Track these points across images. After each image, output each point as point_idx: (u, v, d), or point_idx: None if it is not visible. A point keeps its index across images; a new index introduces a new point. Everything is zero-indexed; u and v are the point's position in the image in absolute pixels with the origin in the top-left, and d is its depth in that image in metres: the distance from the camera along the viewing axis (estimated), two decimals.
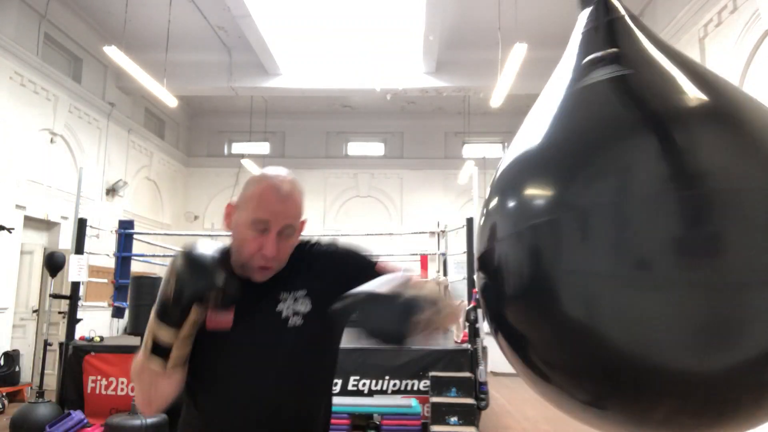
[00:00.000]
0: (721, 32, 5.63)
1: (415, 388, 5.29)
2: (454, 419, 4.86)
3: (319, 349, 1.22)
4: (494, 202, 1.14)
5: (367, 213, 12.53)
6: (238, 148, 13.15)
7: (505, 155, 1.20)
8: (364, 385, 5.30)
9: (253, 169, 11.39)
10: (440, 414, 4.88)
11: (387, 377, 5.32)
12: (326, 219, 12.60)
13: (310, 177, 12.81)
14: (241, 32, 8.45)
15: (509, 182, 1.12)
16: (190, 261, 1.04)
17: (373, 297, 0.99)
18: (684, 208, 0.85)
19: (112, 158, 9.63)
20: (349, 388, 5.29)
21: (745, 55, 5.24)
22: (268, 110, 12.05)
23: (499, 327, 1.12)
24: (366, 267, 1.20)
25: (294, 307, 1.16)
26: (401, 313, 0.99)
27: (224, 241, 1.19)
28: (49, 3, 7.74)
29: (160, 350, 1.03)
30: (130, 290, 5.38)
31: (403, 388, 5.30)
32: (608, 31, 1.19)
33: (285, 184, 1.14)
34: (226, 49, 9.46)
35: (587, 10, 1.28)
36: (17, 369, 6.92)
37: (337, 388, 5.29)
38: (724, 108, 0.98)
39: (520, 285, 1.02)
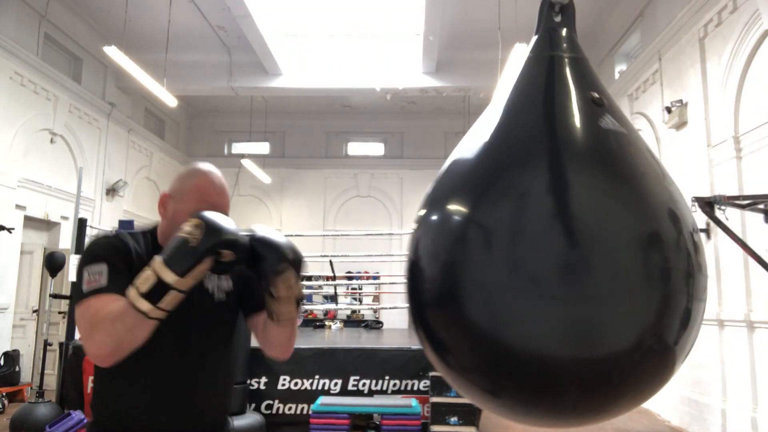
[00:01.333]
0: (721, 32, 5.63)
1: (415, 388, 5.29)
2: (454, 419, 4.86)
3: (236, 322, 1.40)
4: (421, 212, 1.32)
5: (367, 213, 12.53)
6: (238, 148, 13.15)
7: (442, 167, 1.36)
8: (364, 385, 5.30)
9: (253, 169, 11.39)
10: (440, 414, 4.87)
11: (387, 377, 5.32)
12: (326, 219, 12.60)
13: (310, 177, 12.82)
14: (241, 32, 8.45)
15: (434, 196, 1.31)
16: (218, 216, 1.14)
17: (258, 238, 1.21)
18: (564, 238, 1.08)
19: (112, 158, 9.63)
20: (349, 388, 5.29)
21: (745, 55, 5.23)
22: (268, 110, 12.05)
23: (418, 329, 1.28)
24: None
25: (219, 284, 1.35)
26: (273, 253, 1.20)
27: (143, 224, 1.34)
28: (49, 3, 7.74)
29: (154, 294, 1.07)
30: None
31: (403, 388, 5.30)
32: (548, 68, 1.32)
33: (220, 180, 1.33)
34: (226, 49, 9.46)
35: (535, 37, 1.39)
36: (17, 369, 6.92)
37: (337, 388, 5.29)
38: (610, 155, 1.19)
39: (435, 293, 1.19)
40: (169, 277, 1.07)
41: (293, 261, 1.21)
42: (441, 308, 1.18)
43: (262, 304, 1.27)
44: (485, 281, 1.10)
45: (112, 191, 9.55)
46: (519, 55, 6.27)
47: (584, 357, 1.08)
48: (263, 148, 13.02)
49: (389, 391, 5.29)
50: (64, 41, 8.39)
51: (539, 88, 1.29)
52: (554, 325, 1.06)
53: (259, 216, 12.56)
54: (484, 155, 1.23)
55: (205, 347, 1.31)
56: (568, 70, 1.31)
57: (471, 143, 1.29)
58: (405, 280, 1.33)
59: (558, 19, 1.37)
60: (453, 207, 1.20)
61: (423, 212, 1.31)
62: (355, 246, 10.55)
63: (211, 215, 1.14)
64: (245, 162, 11.28)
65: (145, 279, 1.08)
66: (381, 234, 9.53)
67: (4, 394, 6.44)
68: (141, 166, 10.79)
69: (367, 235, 9.24)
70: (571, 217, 1.10)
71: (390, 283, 10.47)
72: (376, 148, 13.25)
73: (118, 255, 1.23)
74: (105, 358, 1.13)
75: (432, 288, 1.20)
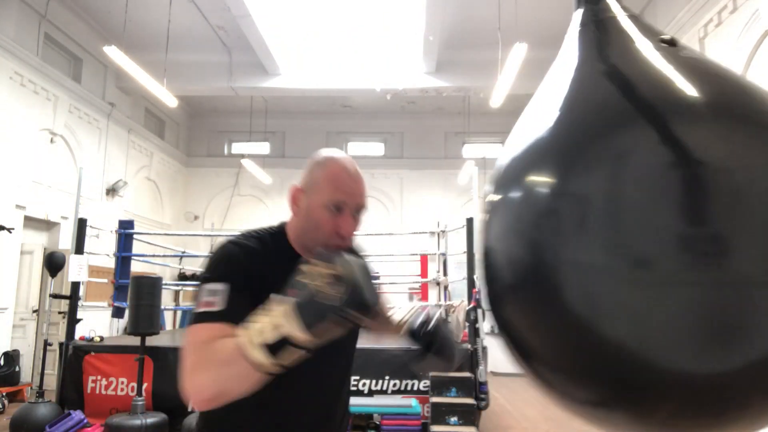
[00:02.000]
0: (721, 32, 5.63)
1: (415, 388, 5.29)
2: (454, 419, 4.86)
3: (351, 353, 1.29)
4: (496, 195, 1.12)
5: (367, 213, 12.51)
6: (238, 148, 13.14)
7: (505, 148, 1.19)
8: (364, 385, 5.30)
9: (253, 169, 11.38)
10: (440, 414, 4.88)
11: (387, 377, 5.32)
12: None
13: None
14: (241, 32, 8.45)
15: (511, 173, 1.10)
16: (364, 269, 0.96)
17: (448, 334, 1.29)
18: (687, 200, 0.82)
19: (112, 158, 9.63)
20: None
21: (745, 55, 5.24)
22: (268, 110, 12.05)
23: (501, 323, 1.10)
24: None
25: None
26: (452, 347, 1.25)
27: (276, 222, 1.24)
28: (49, 3, 7.74)
29: (275, 347, 0.91)
30: (130, 290, 5.37)
31: (403, 388, 5.30)
32: (602, 30, 1.18)
33: (353, 165, 1.19)
34: (226, 49, 9.46)
35: (580, 10, 1.27)
36: (17, 369, 6.91)
37: None
38: (727, 101, 0.94)
39: (522, 279, 1.00)
40: (296, 330, 0.89)
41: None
42: (530, 296, 0.99)
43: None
44: (582, 262, 0.88)
45: (112, 191, 9.55)
46: (519, 55, 6.27)
47: (703, 362, 0.82)
48: (263, 148, 13.01)
49: (389, 391, 5.28)
50: (64, 41, 8.39)
51: (604, 49, 1.11)
52: (668, 317, 0.82)
53: (259, 216, 12.56)
54: (562, 124, 1.03)
55: (319, 383, 1.16)
56: (627, 26, 1.15)
57: (540, 116, 1.10)
58: (482, 269, 1.14)
59: None
60: (538, 179, 1.00)
61: (499, 191, 1.11)
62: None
63: (358, 267, 0.94)
64: (245, 162, 11.28)
65: (266, 327, 0.91)
66: (381, 234, 9.51)
67: (4, 394, 6.44)
68: (141, 166, 10.79)
69: (367, 235, 9.23)
70: (696, 171, 0.83)
71: (390, 283, 10.46)
72: (376, 148, 13.25)
73: (240, 270, 1.06)
74: (203, 403, 0.97)
75: (520, 274, 1.01)
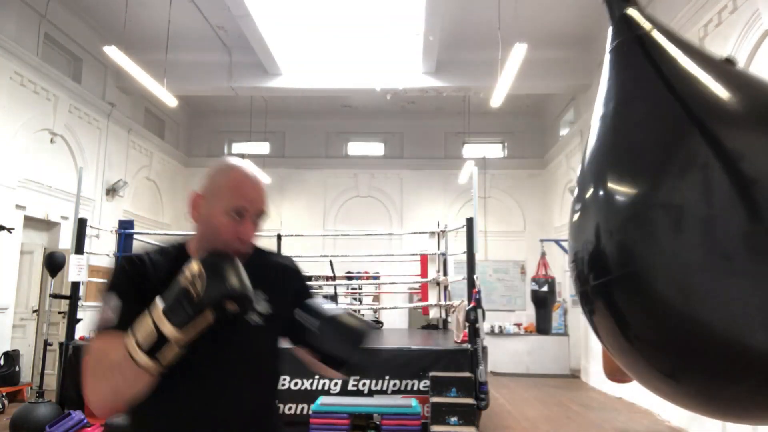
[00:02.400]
0: (721, 32, 5.62)
1: (415, 388, 5.29)
2: (454, 419, 4.86)
3: (273, 349, 1.29)
4: (590, 194, 1.25)
5: (367, 213, 12.53)
6: (238, 148, 13.14)
7: (590, 145, 1.30)
8: (364, 385, 5.30)
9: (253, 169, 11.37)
10: (440, 414, 4.87)
11: (387, 377, 5.32)
12: (326, 219, 12.60)
13: (310, 177, 12.82)
14: (241, 32, 8.45)
15: (600, 175, 1.24)
16: (222, 263, 1.04)
17: (335, 319, 1.16)
18: (750, 213, 0.99)
19: (112, 158, 9.63)
20: (349, 388, 5.29)
21: (745, 55, 5.23)
22: (268, 110, 12.05)
23: (597, 308, 1.23)
24: (307, 292, 1.33)
25: (256, 307, 1.23)
26: (352, 341, 1.14)
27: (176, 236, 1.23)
28: (49, 3, 7.74)
29: (153, 347, 0.99)
30: None
31: (403, 388, 5.30)
32: (639, 48, 1.29)
33: (254, 173, 1.22)
34: (226, 49, 9.46)
35: (613, 27, 1.39)
36: (17, 369, 6.92)
37: (337, 388, 5.29)
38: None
39: (623, 272, 1.14)
40: (167, 329, 0.98)
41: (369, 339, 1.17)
42: (628, 287, 1.12)
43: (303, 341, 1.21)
44: (675, 259, 1.03)
45: (112, 191, 9.55)
46: (519, 55, 6.27)
47: None
48: (263, 148, 13.01)
49: (389, 391, 5.29)
50: (64, 41, 8.39)
51: (653, 66, 1.22)
52: (747, 303, 0.98)
53: None
54: (634, 136, 1.17)
55: (241, 376, 1.20)
56: (669, 41, 1.26)
57: (614, 129, 1.23)
58: (572, 263, 1.27)
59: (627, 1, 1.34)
60: (626, 188, 1.16)
61: (591, 193, 1.24)
62: (355, 246, 10.54)
63: (215, 262, 1.04)
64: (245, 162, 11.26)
65: (144, 328, 1.00)
66: (381, 234, 9.52)
67: (4, 394, 6.44)
68: (141, 166, 10.79)
69: (367, 235, 9.24)
70: (755, 185, 1.00)
71: (390, 283, 10.47)
72: (376, 148, 13.25)
73: (134, 285, 1.13)
74: (102, 408, 1.04)
75: (616, 267, 1.14)
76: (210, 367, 1.15)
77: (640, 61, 1.26)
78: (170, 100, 8.02)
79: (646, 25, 1.29)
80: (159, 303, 1.01)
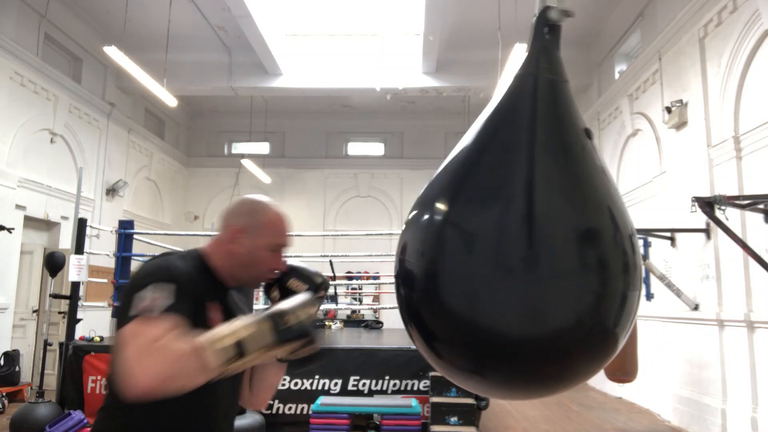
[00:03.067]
0: (721, 32, 5.63)
1: (415, 388, 5.29)
2: (454, 419, 4.86)
3: None
4: (412, 213, 1.47)
5: (367, 213, 12.53)
6: (238, 148, 13.15)
7: (433, 175, 1.51)
8: (364, 385, 5.30)
9: (253, 169, 11.39)
10: (440, 414, 4.88)
11: (387, 377, 5.32)
12: (326, 219, 12.60)
13: (310, 177, 12.82)
14: (241, 32, 8.45)
15: (420, 198, 1.47)
16: (313, 303, 1.18)
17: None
18: (519, 237, 1.28)
19: (112, 158, 9.63)
20: (349, 388, 5.29)
21: (745, 55, 5.24)
22: (268, 110, 12.05)
23: (408, 319, 1.45)
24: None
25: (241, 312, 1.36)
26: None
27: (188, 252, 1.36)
28: (49, 3, 7.74)
29: (227, 352, 1.02)
30: None
31: (403, 388, 5.30)
32: (533, 84, 1.48)
33: (284, 211, 1.43)
34: (226, 49, 9.46)
35: (527, 55, 1.54)
36: (17, 369, 6.92)
37: (337, 388, 5.29)
38: (576, 177, 1.39)
39: (420, 286, 1.38)
40: (252, 347, 1.04)
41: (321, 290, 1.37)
42: (427, 297, 1.36)
43: None
44: (463, 270, 1.30)
45: (112, 191, 9.55)
46: (519, 53, 6.27)
47: (538, 330, 1.27)
48: (263, 148, 13.01)
49: (389, 391, 5.29)
50: (64, 41, 8.39)
51: (523, 106, 1.44)
52: (515, 303, 1.27)
53: None
54: (463, 163, 1.42)
55: (234, 388, 1.35)
56: (554, 93, 1.47)
57: (456, 152, 1.47)
58: (395, 276, 1.48)
59: (548, 36, 1.50)
60: (433, 209, 1.39)
61: (413, 212, 1.47)
62: (355, 246, 10.55)
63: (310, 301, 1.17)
64: (245, 162, 11.28)
65: (226, 336, 1.03)
66: (381, 234, 9.50)
67: (4, 394, 6.44)
68: (141, 166, 10.79)
69: (367, 235, 9.23)
70: (529, 214, 1.30)
71: (390, 283, 10.47)
72: (376, 148, 13.25)
73: (184, 281, 1.17)
74: (144, 390, 0.98)
75: (419, 281, 1.37)
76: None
77: (521, 98, 1.46)
78: (170, 100, 8.02)
79: (546, 69, 1.50)
80: (252, 317, 1.08)
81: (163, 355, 1.00)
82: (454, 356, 1.40)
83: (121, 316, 1.10)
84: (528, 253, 1.27)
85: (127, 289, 1.15)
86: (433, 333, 1.40)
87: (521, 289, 1.26)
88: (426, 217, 1.41)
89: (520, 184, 1.31)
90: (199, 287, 1.21)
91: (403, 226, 1.50)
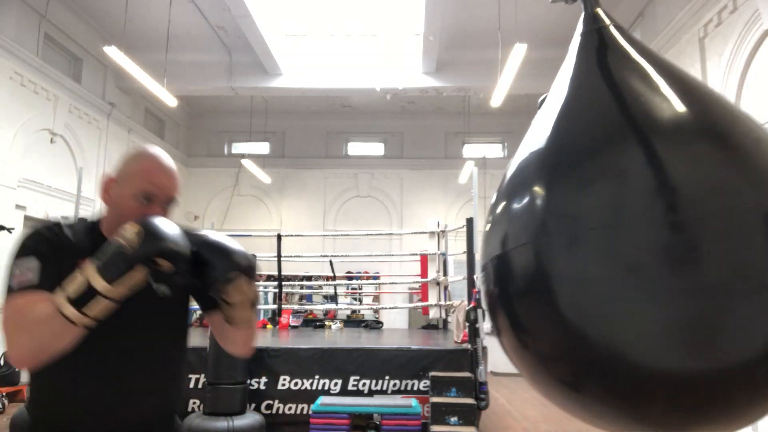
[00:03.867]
0: (721, 32, 5.63)
1: (415, 388, 5.29)
2: (454, 419, 4.86)
3: (185, 318, 1.36)
4: (500, 208, 1.20)
5: (367, 213, 12.53)
6: (238, 148, 13.15)
7: (513, 159, 1.26)
8: (364, 385, 5.30)
9: (253, 169, 11.40)
10: (440, 414, 4.87)
11: (387, 377, 5.32)
12: (326, 219, 12.60)
13: (310, 177, 12.82)
14: (241, 32, 8.45)
15: (512, 189, 1.19)
16: (160, 222, 1.07)
17: (206, 239, 1.16)
18: (669, 223, 0.92)
19: (112, 158, 9.63)
20: (349, 388, 5.29)
21: (745, 55, 5.24)
22: (268, 110, 12.05)
23: (503, 328, 1.18)
24: None
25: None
26: (225, 261, 1.13)
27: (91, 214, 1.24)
28: (49, 3, 7.74)
29: (82, 301, 1.00)
30: None
31: (403, 388, 5.30)
32: (602, 42, 1.24)
33: (168, 161, 1.26)
34: (226, 49, 9.46)
35: (582, 15, 1.33)
36: (17, 369, 6.92)
37: (337, 388, 5.29)
38: (712, 122, 1.03)
39: (524, 290, 1.10)
40: (99, 283, 1.00)
41: (245, 268, 1.14)
42: (529, 301, 1.08)
43: (216, 303, 1.21)
44: (577, 273, 0.97)
45: None
46: (519, 55, 6.27)
47: (689, 365, 0.90)
48: (263, 148, 13.01)
49: (389, 391, 5.29)
50: (64, 41, 8.39)
51: (603, 62, 1.19)
52: (656, 321, 0.90)
53: (259, 216, 12.56)
54: (563, 139, 1.12)
55: (144, 344, 1.24)
56: (623, 40, 1.21)
57: (545, 131, 1.19)
58: (482, 277, 1.24)
59: None
60: (537, 195, 1.08)
61: (501, 206, 1.20)
62: (355, 246, 10.55)
63: (155, 221, 1.06)
64: (245, 162, 11.28)
65: (74, 283, 1.02)
66: (381, 234, 9.52)
67: (4, 394, 6.44)
68: None
69: (367, 235, 9.24)
70: (677, 190, 0.92)
71: (390, 283, 10.47)
72: (376, 148, 13.25)
73: (51, 249, 1.15)
74: (25, 362, 1.07)
75: (519, 280, 1.10)
76: (114, 333, 1.17)
77: (594, 58, 1.23)
78: (170, 100, 8.02)
79: (606, 20, 1.28)
80: (91, 261, 1.03)
81: (28, 325, 1.03)
82: (570, 386, 1.09)
83: (2, 289, 1.12)
84: (679, 243, 0.89)
85: (7, 261, 1.15)
86: (531, 338, 1.12)
87: (669, 298, 0.89)
88: (525, 203, 1.11)
89: (650, 151, 0.97)
90: (74, 250, 1.16)
91: (488, 222, 1.25)
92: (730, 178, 0.93)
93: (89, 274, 1.01)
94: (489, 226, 1.23)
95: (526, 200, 1.11)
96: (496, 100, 7.51)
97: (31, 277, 1.10)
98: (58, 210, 8.12)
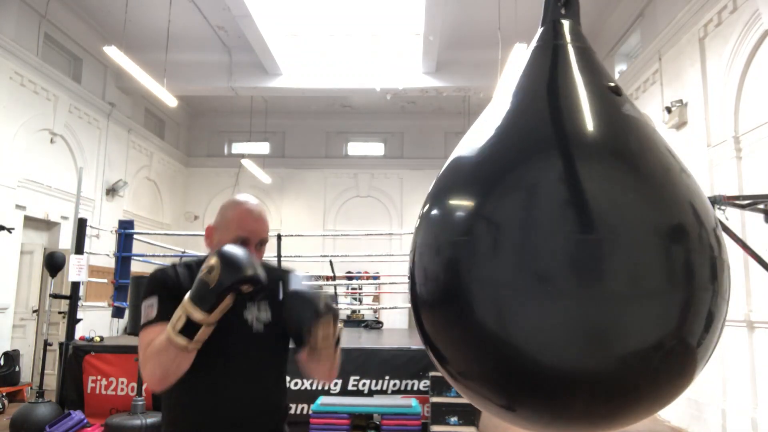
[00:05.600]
0: (721, 32, 5.63)
1: (415, 388, 5.29)
2: (454, 419, 4.86)
3: (279, 352, 1.52)
4: (423, 209, 1.29)
5: (367, 213, 12.53)
6: (238, 148, 13.15)
7: (446, 163, 1.32)
8: (364, 385, 5.30)
9: (253, 169, 11.40)
10: (440, 414, 4.87)
11: (387, 377, 5.32)
12: (326, 219, 12.60)
13: (310, 177, 12.82)
14: (241, 32, 8.45)
15: (437, 191, 1.27)
16: (233, 254, 1.25)
17: (295, 292, 1.32)
18: (578, 230, 1.02)
19: (112, 158, 9.63)
20: (349, 388, 5.29)
21: (745, 55, 5.24)
22: (268, 110, 12.05)
23: (421, 332, 1.28)
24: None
25: (258, 315, 1.47)
26: (308, 312, 1.29)
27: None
28: (49, 3, 7.74)
29: (188, 330, 1.22)
30: (130, 290, 5.37)
31: (403, 388, 5.30)
32: (552, 55, 1.30)
33: (257, 207, 1.49)
34: (226, 49, 9.46)
35: (541, 29, 1.38)
36: (17, 369, 6.91)
37: (337, 388, 5.29)
38: (629, 147, 1.15)
39: (436, 293, 1.16)
40: (197, 315, 1.22)
41: (329, 314, 1.31)
42: (444, 309, 1.14)
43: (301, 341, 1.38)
44: (491, 278, 1.04)
45: (112, 191, 9.55)
46: (521, 49, 6.27)
47: (597, 361, 1.01)
48: (263, 148, 13.01)
49: (389, 391, 5.29)
50: (64, 41, 8.39)
51: (545, 78, 1.26)
52: (565, 325, 0.99)
53: None
54: (489, 149, 1.19)
55: (244, 374, 1.43)
56: (575, 59, 1.27)
57: (476, 137, 1.26)
58: (408, 280, 1.31)
59: (563, 11, 1.37)
60: (458, 202, 1.16)
61: (426, 208, 1.29)
62: (355, 246, 10.55)
63: (227, 254, 1.24)
64: (245, 162, 11.28)
65: (177, 318, 1.24)
66: (381, 234, 9.51)
67: (4, 394, 6.44)
68: (141, 166, 10.79)
69: (367, 235, 9.24)
70: (586, 207, 1.03)
71: (390, 283, 10.47)
72: (376, 148, 13.25)
73: (166, 288, 1.39)
74: (156, 384, 1.29)
75: (435, 287, 1.16)
76: (220, 365, 1.40)
77: (541, 70, 1.29)
78: (170, 100, 8.02)
79: (567, 38, 1.32)
80: (187, 295, 1.25)
81: (152, 356, 1.28)
82: (480, 386, 1.16)
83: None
84: (587, 253, 1.00)
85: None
86: (449, 357, 1.19)
87: (576, 305, 0.99)
88: (446, 210, 1.19)
89: (568, 167, 1.06)
90: (183, 287, 1.35)
91: (417, 221, 1.33)
92: (634, 198, 1.05)
93: (187, 307, 1.23)
94: (415, 227, 1.32)
95: (448, 205, 1.19)
96: None
97: (152, 314, 1.35)
98: (58, 210, 8.12)
